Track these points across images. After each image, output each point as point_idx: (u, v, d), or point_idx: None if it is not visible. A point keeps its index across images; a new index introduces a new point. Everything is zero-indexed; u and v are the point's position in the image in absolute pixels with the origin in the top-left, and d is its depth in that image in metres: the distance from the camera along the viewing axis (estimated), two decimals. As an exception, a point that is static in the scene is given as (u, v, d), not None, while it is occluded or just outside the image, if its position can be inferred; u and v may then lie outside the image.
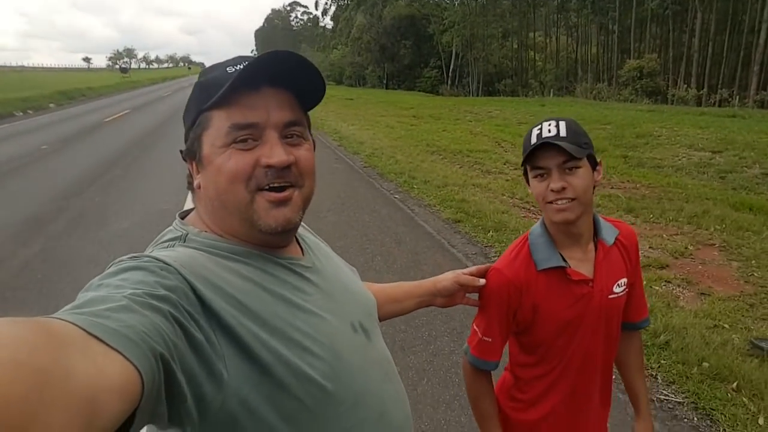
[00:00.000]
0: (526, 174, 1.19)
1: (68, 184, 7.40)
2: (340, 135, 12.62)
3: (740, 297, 4.03)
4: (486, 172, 8.91)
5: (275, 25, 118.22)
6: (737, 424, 2.52)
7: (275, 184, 0.70)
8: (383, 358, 0.84)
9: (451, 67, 40.76)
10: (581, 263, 1.18)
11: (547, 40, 41.20)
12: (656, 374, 2.96)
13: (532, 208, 6.68)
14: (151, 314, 0.50)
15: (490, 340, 1.20)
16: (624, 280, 1.22)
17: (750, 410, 2.61)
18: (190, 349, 0.55)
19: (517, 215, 6.11)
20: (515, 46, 41.71)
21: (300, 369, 0.64)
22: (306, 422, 0.66)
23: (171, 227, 0.76)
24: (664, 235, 5.61)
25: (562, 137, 1.09)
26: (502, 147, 11.68)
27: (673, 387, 2.85)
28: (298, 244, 0.84)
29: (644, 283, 4.07)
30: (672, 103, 21.97)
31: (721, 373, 2.89)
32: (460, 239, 5.24)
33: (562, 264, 1.16)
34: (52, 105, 23.60)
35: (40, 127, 15.28)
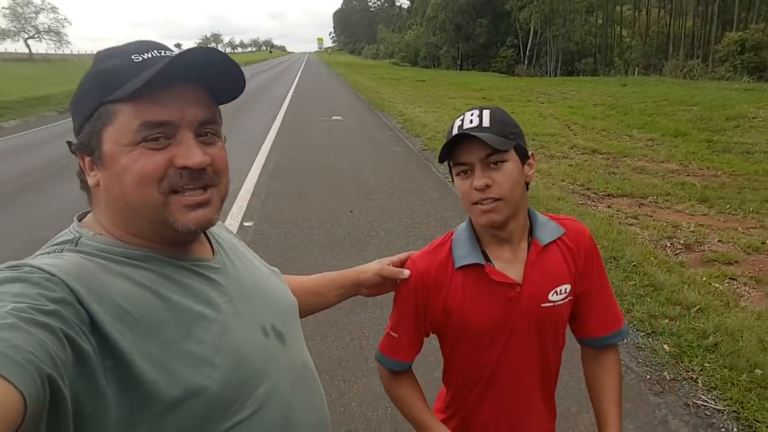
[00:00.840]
0: (450, 172, 1.06)
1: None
2: (405, 117, 12.57)
3: (817, 300, 3.62)
4: (549, 156, 8.55)
5: (353, 6, 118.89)
6: (781, 439, 2.30)
7: (191, 186, 0.67)
8: (298, 363, 0.80)
9: (529, 45, 39.12)
10: (509, 265, 1.04)
11: (636, 14, 38.26)
12: (697, 378, 2.75)
13: (593, 195, 6.35)
14: (38, 332, 0.47)
15: (396, 335, 1.10)
16: (566, 287, 1.05)
17: (800, 425, 2.37)
18: (79, 365, 0.52)
19: (574, 202, 5.83)
20: (600, 21, 39.15)
21: (193, 383, 0.61)
22: None
23: (67, 229, 0.71)
24: (740, 228, 5.14)
25: (485, 128, 0.96)
26: (572, 130, 11.12)
27: (715, 393, 2.64)
28: (210, 243, 0.79)
29: (703, 279, 3.78)
30: (777, 81, 19.76)
31: (773, 382, 2.64)
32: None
33: (480, 261, 1.03)
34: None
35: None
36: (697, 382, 2.73)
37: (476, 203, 0.98)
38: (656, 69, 28.12)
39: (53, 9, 62.56)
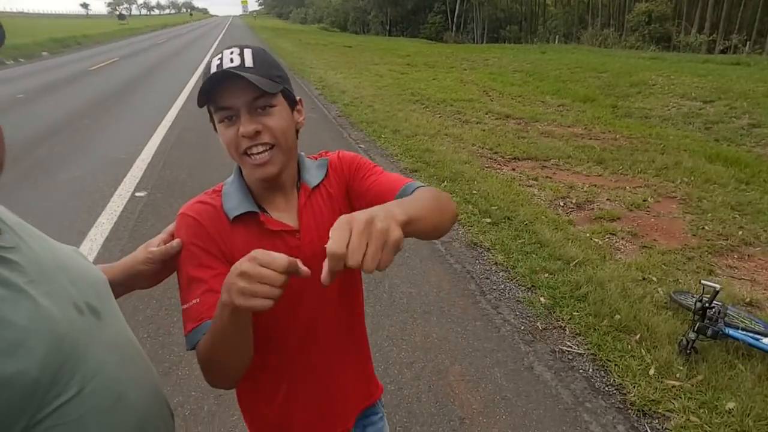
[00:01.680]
0: (211, 117, 0.94)
1: (34, 133, 7.33)
2: (324, 83, 12.31)
3: (681, 250, 3.95)
4: (464, 121, 8.69)
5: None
6: (628, 375, 2.52)
7: None
8: (121, 339, 0.77)
9: (456, 12, 39.24)
10: (284, 213, 1.00)
11: (559, -17, 39.28)
12: (565, 326, 2.94)
13: (500, 159, 6.54)
14: None
15: (197, 300, 0.90)
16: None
17: (645, 361, 2.60)
18: None
19: (479, 165, 5.98)
20: (525, -11, 39.91)
21: (6, 370, 0.57)
22: (21, 423, 0.59)
23: None
24: (627, 188, 5.49)
25: (249, 68, 0.88)
26: (489, 96, 11.35)
27: (579, 339, 2.84)
28: None
29: (587, 235, 4.00)
30: (679, 51, 21.08)
31: (629, 326, 2.87)
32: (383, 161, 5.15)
33: (254, 209, 0.96)
34: (44, 53, 23.17)
35: (25, 75, 15.04)
36: (565, 330, 2.92)
37: (246, 153, 0.91)
38: (575, 38, 29.20)
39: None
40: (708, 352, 2.63)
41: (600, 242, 4.06)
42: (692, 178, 5.71)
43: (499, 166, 6.23)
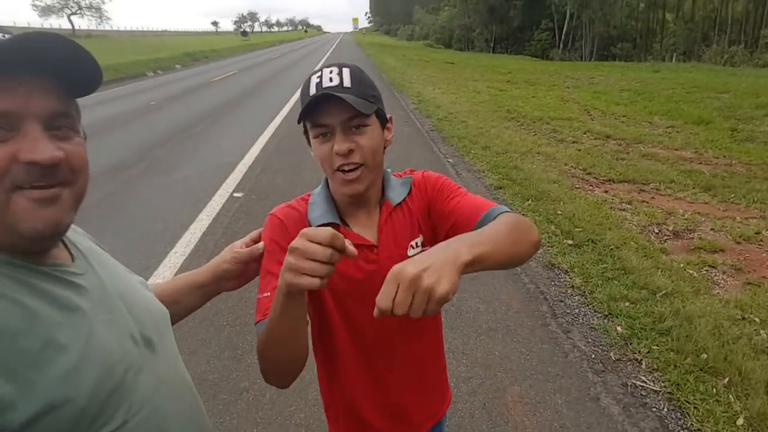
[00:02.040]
0: (306, 133, 1.01)
1: (157, 136, 8.24)
2: (421, 98, 12.47)
3: (796, 291, 3.51)
4: (560, 140, 8.38)
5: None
6: (709, 420, 2.28)
7: (41, 184, 0.60)
8: (171, 373, 0.77)
9: (564, 29, 37.93)
10: (365, 229, 1.03)
11: (682, -2, 36.55)
12: (642, 359, 2.74)
13: (593, 180, 6.23)
14: None
15: (268, 294, 0.95)
16: (419, 240, 1.05)
17: (732, 409, 2.34)
18: None
19: (568, 185, 5.73)
20: (642, 5, 37.57)
21: (55, 395, 0.56)
22: None
23: None
24: (738, 218, 4.97)
25: (346, 88, 0.91)
26: (590, 115, 10.83)
27: (655, 374, 2.63)
28: (67, 249, 0.73)
29: (681, 265, 3.72)
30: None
31: (717, 367, 2.61)
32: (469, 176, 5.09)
33: (336, 221, 1.01)
34: (178, 66, 25.95)
35: (160, 85, 16.96)
36: (641, 364, 2.72)
37: (338, 170, 0.95)
38: (696, 56, 26.92)
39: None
40: (811, 406, 2.32)
41: (695, 274, 3.72)
42: (820, 212, 5.04)
43: (590, 187, 5.93)
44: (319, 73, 0.95)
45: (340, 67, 0.95)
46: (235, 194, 5.16)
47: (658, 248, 4.16)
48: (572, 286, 3.50)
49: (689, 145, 8.21)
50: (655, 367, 2.67)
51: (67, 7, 62.76)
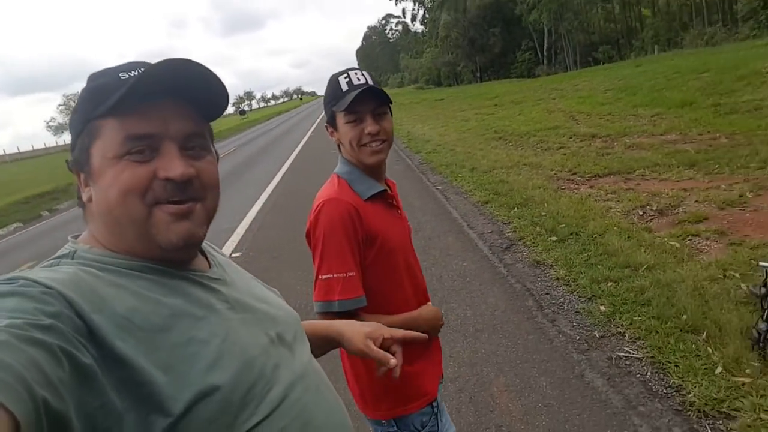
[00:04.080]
0: (332, 122, 1.27)
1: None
2: (411, 137, 12.86)
3: (778, 242, 3.54)
4: (545, 149, 8.55)
5: (372, 41, 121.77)
6: (689, 375, 2.33)
7: (176, 199, 0.66)
8: (310, 369, 0.80)
9: (545, 45, 38.77)
10: None
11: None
12: (624, 332, 2.80)
13: (578, 179, 6.34)
14: (33, 350, 0.46)
15: (353, 273, 1.18)
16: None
17: (711, 360, 2.39)
18: (81, 381, 0.50)
19: (553, 188, 5.86)
20: (617, 7, 38.34)
21: (204, 384, 0.61)
22: None
23: (63, 247, 0.71)
24: (722, 186, 5.03)
25: (372, 85, 1.21)
26: (576, 120, 11.03)
27: (638, 343, 2.68)
28: (206, 259, 0.80)
29: (664, 239, 3.79)
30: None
31: (696, 325, 2.66)
32: (482, 220, 5.22)
33: (385, 187, 1.29)
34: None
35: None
36: (624, 336, 2.78)
37: (364, 145, 1.23)
38: (676, 43, 27.19)
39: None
40: (787, 343, 2.35)
41: (677, 245, 3.77)
42: (804, 166, 5.07)
43: (576, 186, 6.05)
44: (346, 75, 1.23)
45: (361, 70, 1.25)
46: (234, 254, 5.38)
47: (642, 228, 4.24)
48: (557, 278, 3.59)
49: (674, 129, 8.31)
50: (638, 336, 2.73)
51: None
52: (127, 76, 0.66)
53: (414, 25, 72.90)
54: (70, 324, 0.52)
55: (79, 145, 0.68)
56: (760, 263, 2.46)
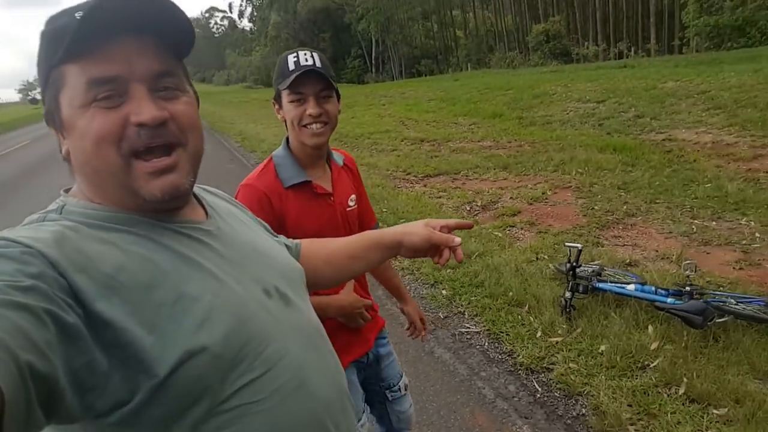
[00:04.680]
0: (278, 99, 1.28)
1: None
2: (244, 136, 12.51)
3: (573, 229, 4.31)
4: (380, 151, 9.05)
5: (195, 34, 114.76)
6: (518, 341, 2.73)
7: (153, 144, 0.62)
8: (308, 325, 0.77)
9: (373, 54, 40.85)
10: (321, 181, 1.33)
11: (466, 16, 41.84)
12: (464, 311, 3.15)
13: (412, 178, 6.86)
14: (14, 314, 0.44)
15: None
16: (354, 196, 1.42)
17: (533, 327, 2.83)
18: (67, 341, 0.49)
19: (391, 186, 6.27)
20: (436, 26, 42.15)
21: (191, 343, 0.58)
22: (208, 398, 0.59)
23: (54, 201, 0.67)
24: (529, 185, 5.90)
25: (319, 67, 1.20)
26: (405, 125, 11.86)
27: (476, 319, 3.04)
28: (203, 207, 0.76)
29: (489, 230, 4.27)
30: (577, 62, 22.84)
31: (520, 300, 3.11)
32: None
33: (308, 179, 1.29)
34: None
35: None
36: (464, 314, 3.12)
37: (305, 126, 1.23)
38: (486, 63, 31.03)
39: None
40: (586, 308, 2.90)
41: (500, 234, 4.35)
42: (585, 168, 6.23)
43: (410, 184, 6.54)
44: (294, 54, 1.24)
45: (311, 51, 1.24)
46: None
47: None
48: (402, 269, 3.86)
49: (489, 136, 9.47)
50: (475, 313, 3.10)
51: None
52: (82, 14, 0.58)
53: (241, 21, 70.59)
54: (55, 284, 0.51)
55: (47, 97, 0.63)
56: (566, 244, 2.99)
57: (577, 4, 30.80)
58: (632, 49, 23.66)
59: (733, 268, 3.39)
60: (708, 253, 3.68)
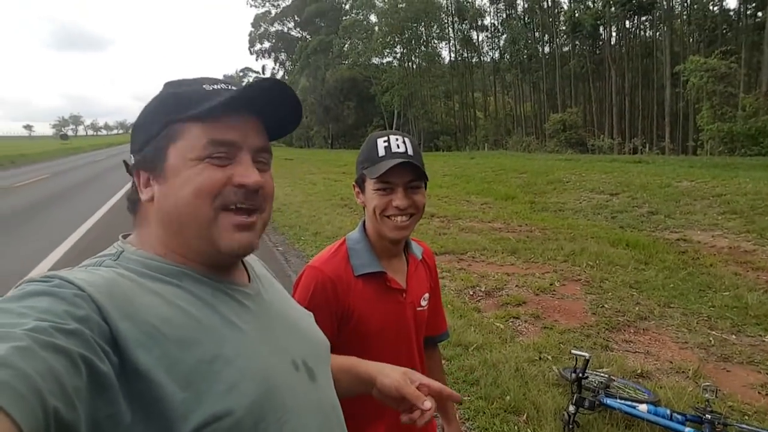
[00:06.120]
0: (360, 183, 1.18)
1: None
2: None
3: (580, 328, 4.03)
4: (389, 221, 8.95)
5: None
6: (511, 458, 2.41)
7: (243, 205, 0.68)
8: (327, 404, 0.77)
9: (394, 125, 42.04)
10: (396, 274, 1.21)
11: (487, 99, 43.39)
12: (455, 412, 2.84)
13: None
14: (52, 358, 0.45)
15: None
16: (427, 295, 1.27)
17: (530, 442, 2.51)
18: (96, 390, 0.49)
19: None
20: (457, 105, 43.67)
21: (219, 406, 0.59)
22: None
23: (112, 245, 0.71)
24: (537, 274, 5.67)
25: (410, 156, 1.11)
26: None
27: (467, 424, 2.74)
28: (246, 270, 0.79)
29: (490, 320, 4.03)
30: (592, 153, 23.18)
31: (518, 406, 2.82)
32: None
33: (382, 269, 1.17)
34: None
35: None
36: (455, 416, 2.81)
37: (389, 216, 1.13)
38: (503, 145, 31.71)
39: None
40: (592, 425, 2.59)
41: (501, 326, 4.08)
42: (596, 262, 6.00)
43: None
44: (385, 138, 1.14)
45: (403, 136, 1.16)
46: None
47: (472, 307, 4.52)
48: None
49: (499, 218, 9.36)
50: (467, 417, 2.79)
51: None
52: (211, 88, 0.70)
53: (273, 83, 73.87)
54: (97, 329, 0.53)
55: (153, 145, 0.69)
56: (572, 351, 2.72)
57: (594, 99, 31.83)
58: (647, 145, 24.03)
59: (759, 392, 3.07)
60: (728, 371, 3.38)
